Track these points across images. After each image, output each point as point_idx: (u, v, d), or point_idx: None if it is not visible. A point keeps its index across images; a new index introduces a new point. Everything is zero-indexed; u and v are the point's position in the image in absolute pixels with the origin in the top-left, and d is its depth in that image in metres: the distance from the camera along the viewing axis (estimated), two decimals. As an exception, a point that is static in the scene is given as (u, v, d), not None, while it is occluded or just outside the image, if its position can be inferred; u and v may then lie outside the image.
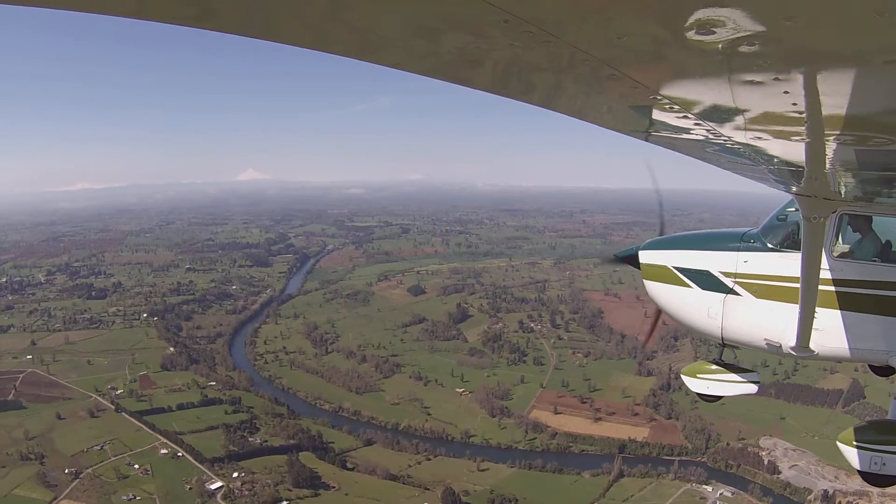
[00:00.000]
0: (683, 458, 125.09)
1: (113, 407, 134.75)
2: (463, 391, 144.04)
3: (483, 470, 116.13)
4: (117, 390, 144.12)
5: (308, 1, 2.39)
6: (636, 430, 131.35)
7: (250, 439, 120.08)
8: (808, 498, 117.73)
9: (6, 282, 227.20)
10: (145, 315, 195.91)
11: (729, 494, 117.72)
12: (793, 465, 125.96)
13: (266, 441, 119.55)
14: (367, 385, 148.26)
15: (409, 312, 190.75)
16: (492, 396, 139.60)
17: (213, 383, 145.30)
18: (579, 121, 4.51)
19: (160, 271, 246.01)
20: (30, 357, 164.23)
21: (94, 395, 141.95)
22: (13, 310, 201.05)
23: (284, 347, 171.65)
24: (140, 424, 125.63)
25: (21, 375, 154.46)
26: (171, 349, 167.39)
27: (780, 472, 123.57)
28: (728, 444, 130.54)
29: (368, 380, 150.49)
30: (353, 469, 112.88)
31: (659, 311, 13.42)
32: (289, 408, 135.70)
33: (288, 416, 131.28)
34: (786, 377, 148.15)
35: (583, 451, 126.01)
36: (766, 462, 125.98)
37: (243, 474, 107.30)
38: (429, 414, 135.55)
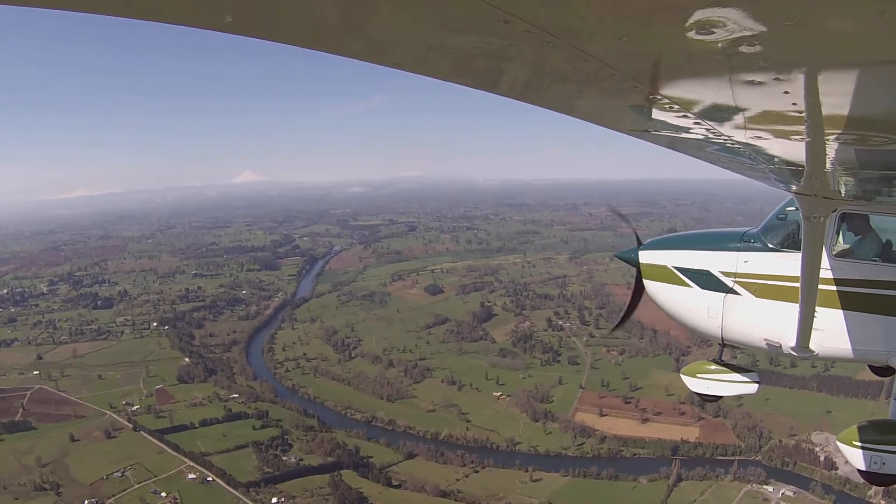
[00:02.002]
0: (738, 457, 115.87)
1: (130, 425, 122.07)
2: (500, 395, 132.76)
3: (536, 480, 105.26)
4: (133, 406, 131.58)
5: (308, 1, 2.36)
6: (686, 430, 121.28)
7: (284, 458, 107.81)
8: (868, 493, 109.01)
9: (7, 293, 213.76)
10: (155, 324, 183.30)
11: (791, 494, 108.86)
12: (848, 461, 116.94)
13: (302, 459, 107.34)
14: (399, 392, 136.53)
15: (429, 313, 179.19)
16: (531, 400, 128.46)
17: (236, 395, 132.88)
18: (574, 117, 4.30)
19: (166, 278, 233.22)
20: (36, 372, 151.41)
21: (108, 413, 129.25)
22: (16, 322, 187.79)
23: (305, 354, 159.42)
24: (162, 445, 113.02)
25: (28, 392, 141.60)
26: (187, 360, 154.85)
27: (837, 468, 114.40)
28: (780, 441, 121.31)
29: (399, 386, 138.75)
30: (399, 486, 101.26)
31: (635, 297, 12.97)
32: (319, 420, 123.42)
33: (320, 430, 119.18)
34: (825, 370, 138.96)
35: (635, 454, 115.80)
36: (822, 458, 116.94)
37: (283, 499, 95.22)
38: (468, 421, 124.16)
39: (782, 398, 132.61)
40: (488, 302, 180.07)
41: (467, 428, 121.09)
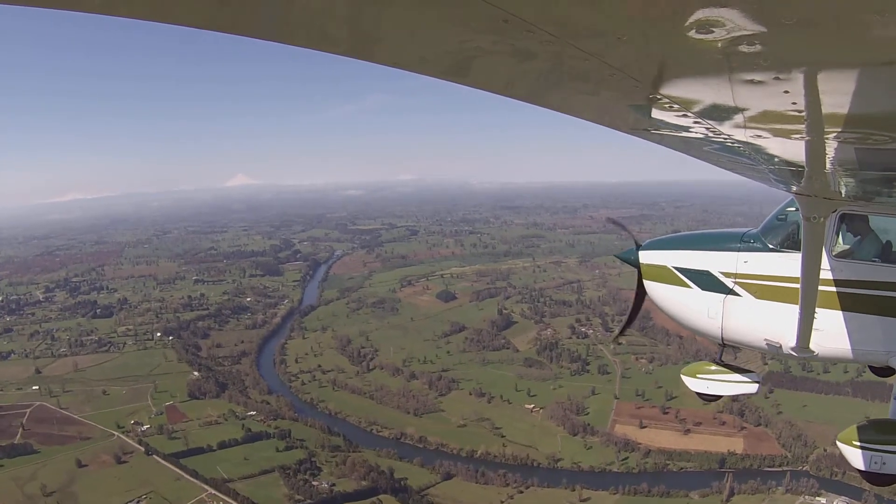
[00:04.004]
0: (785, 468, 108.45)
1: (142, 448, 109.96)
2: (533, 407, 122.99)
3: (585, 500, 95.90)
4: (143, 426, 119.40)
5: (309, 1, 2.30)
6: (730, 441, 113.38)
7: (314, 483, 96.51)
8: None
9: (2, 301, 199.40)
10: (159, 334, 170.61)
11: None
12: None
13: (335, 485, 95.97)
14: (425, 406, 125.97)
15: (444, 320, 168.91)
16: (567, 412, 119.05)
17: (253, 413, 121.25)
18: (573, 117, 4.19)
19: (166, 284, 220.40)
20: (36, 387, 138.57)
21: (116, 434, 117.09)
22: (12, 333, 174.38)
23: (320, 365, 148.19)
24: (178, 471, 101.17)
25: (28, 410, 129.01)
26: (196, 373, 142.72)
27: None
28: (825, 449, 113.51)
29: (424, 399, 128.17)
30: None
31: (636, 307, 12.89)
32: (345, 438, 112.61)
33: (347, 449, 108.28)
34: (858, 374, 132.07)
35: (682, 468, 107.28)
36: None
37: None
38: (503, 436, 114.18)
39: (819, 405, 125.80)
40: (506, 309, 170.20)
41: (504, 444, 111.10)
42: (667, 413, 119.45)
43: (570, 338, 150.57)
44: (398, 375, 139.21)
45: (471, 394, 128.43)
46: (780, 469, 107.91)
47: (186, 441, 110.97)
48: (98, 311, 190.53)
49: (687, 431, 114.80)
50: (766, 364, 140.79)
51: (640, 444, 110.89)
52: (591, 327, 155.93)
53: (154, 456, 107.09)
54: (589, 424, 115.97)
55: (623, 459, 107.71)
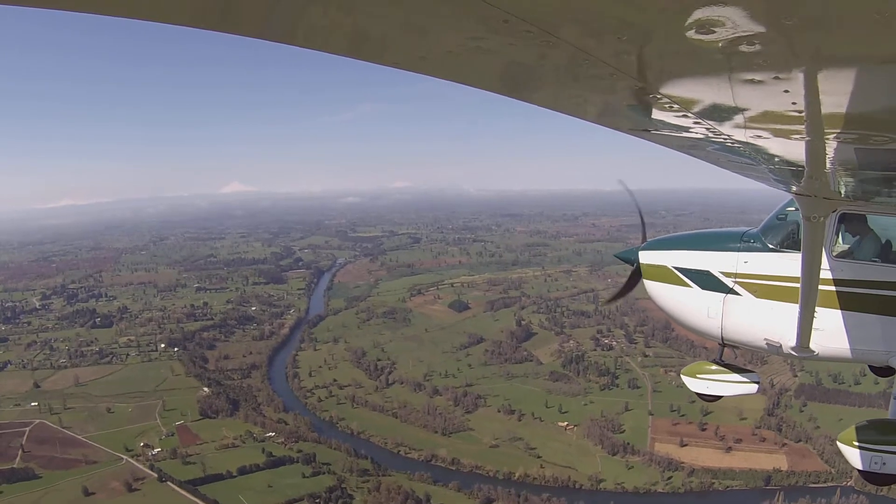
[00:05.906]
0: (831, 484, 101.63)
1: (154, 474, 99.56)
2: (567, 425, 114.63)
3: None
4: (153, 449, 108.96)
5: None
6: (773, 457, 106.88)
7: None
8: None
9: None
10: (163, 345, 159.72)
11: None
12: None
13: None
14: (453, 424, 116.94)
15: (460, 332, 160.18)
16: (603, 430, 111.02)
17: (272, 434, 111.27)
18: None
19: (167, 292, 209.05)
20: (35, 404, 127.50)
21: (124, 457, 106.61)
22: (8, 342, 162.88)
23: (335, 380, 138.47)
24: (197, 500, 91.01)
25: (27, 429, 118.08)
26: (206, 389, 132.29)
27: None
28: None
29: (451, 417, 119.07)
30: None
31: (632, 281, 12.07)
32: (373, 461, 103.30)
33: (377, 473, 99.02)
34: (889, 385, 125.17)
35: (728, 487, 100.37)
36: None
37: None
38: (539, 456, 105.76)
39: (854, 418, 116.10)
40: (524, 319, 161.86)
41: (541, 465, 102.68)
42: (705, 430, 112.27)
43: (595, 350, 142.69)
44: (420, 391, 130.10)
45: (499, 411, 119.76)
46: (826, 485, 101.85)
47: (203, 466, 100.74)
48: (97, 319, 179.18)
49: (728, 449, 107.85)
50: (797, 376, 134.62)
51: (683, 462, 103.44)
52: (614, 339, 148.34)
53: (168, 483, 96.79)
54: (628, 443, 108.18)
55: (667, 479, 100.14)
